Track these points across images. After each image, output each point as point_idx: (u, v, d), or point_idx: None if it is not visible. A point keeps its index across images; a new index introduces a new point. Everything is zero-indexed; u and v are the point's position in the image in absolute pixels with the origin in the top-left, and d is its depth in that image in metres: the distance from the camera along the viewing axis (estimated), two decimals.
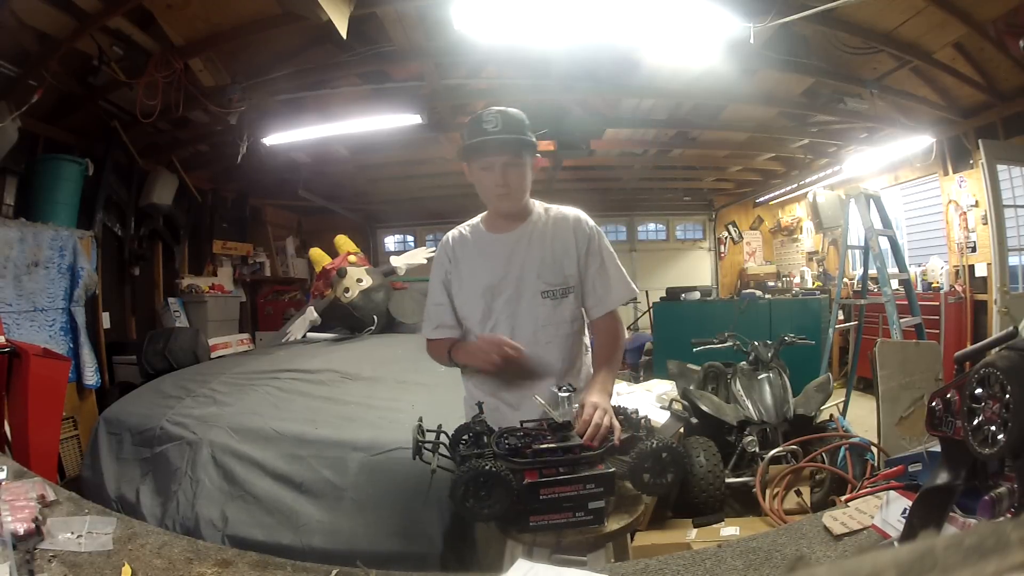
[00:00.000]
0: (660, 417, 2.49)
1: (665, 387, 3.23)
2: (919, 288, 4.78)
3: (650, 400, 2.96)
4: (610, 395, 1.35)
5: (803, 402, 2.84)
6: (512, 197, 1.45)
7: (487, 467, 1.08)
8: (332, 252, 3.68)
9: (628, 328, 6.71)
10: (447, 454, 1.24)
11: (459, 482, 1.08)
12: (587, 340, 1.57)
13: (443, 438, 1.27)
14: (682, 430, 2.72)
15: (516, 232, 1.50)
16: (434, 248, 4.28)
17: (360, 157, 5.25)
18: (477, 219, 1.58)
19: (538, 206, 1.54)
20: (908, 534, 0.79)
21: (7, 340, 2.25)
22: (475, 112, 1.47)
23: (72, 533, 0.94)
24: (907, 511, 0.83)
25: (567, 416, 1.22)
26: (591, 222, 1.53)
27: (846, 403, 3.78)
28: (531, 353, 1.40)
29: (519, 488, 1.08)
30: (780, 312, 4.42)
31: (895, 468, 0.94)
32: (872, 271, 3.78)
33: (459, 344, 1.51)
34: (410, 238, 8.51)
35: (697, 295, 5.04)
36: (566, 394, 1.25)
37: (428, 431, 1.24)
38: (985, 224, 4.26)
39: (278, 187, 5.95)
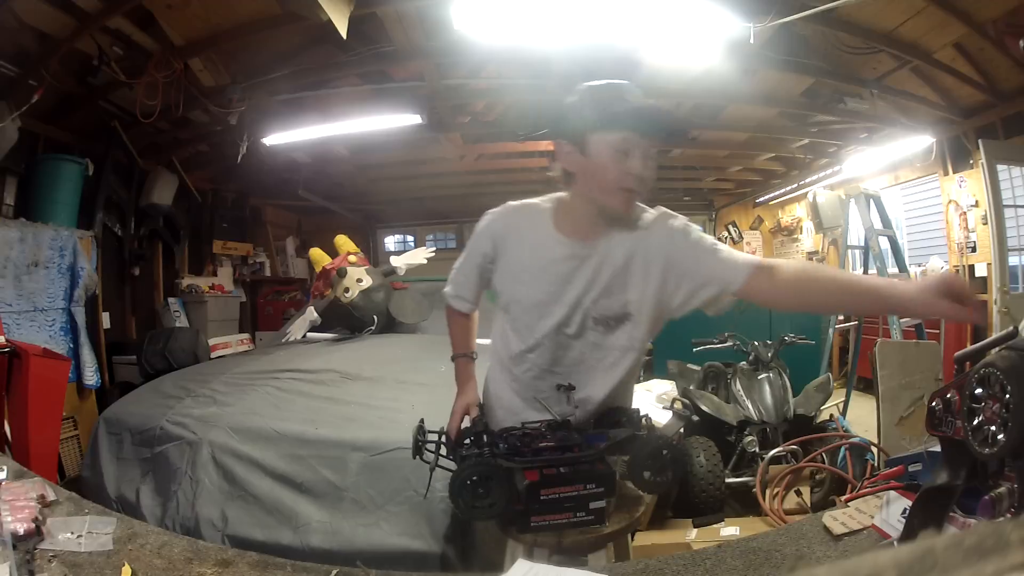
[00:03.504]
0: (660, 417, 2.49)
1: (665, 387, 3.24)
2: None
3: (650, 400, 2.96)
4: None
5: (803, 402, 2.84)
6: (639, 197, 1.16)
7: (484, 464, 1.08)
8: (332, 252, 3.68)
9: None
10: (447, 455, 1.24)
11: (456, 479, 1.08)
12: (639, 367, 1.39)
13: (443, 438, 1.27)
14: (682, 429, 2.72)
15: (593, 245, 1.19)
16: (434, 248, 4.31)
17: (360, 157, 5.25)
18: (545, 206, 1.25)
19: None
20: (908, 534, 0.79)
21: (7, 340, 2.24)
22: (590, 80, 1.17)
23: (72, 533, 0.94)
24: (907, 511, 0.83)
25: (567, 416, 1.21)
26: (687, 226, 1.21)
27: (846, 403, 3.78)
28: (572, 373, 1.25)
29: (522, 488, 1.08)
30: (780, 312, 4.42)
31: (895, 468, 0.94)
32: (872, 271, 3.78)
33: (464, 367, 1.40)
34: (410, 238, 8.50)
35: None
36: (565, 393, 1.24)
37: (430, 431, 1.24)
38: (985, 224, 4.25)
39: (278, 187, 5.95)
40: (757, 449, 2.61)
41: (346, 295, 3.23)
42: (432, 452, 1.21)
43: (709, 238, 1.20)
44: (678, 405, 2.38)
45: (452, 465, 1.16)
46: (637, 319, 1.21)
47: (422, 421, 1.26)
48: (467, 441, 1.23)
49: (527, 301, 1.24)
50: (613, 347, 1.24)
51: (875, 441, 2.56)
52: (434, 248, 4.36)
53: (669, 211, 1.23)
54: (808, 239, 7.09)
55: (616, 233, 1.19)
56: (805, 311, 1.31)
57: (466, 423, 1.29)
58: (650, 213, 1.22)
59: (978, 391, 0.68)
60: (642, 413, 1.28)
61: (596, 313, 1.21)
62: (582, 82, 1.19)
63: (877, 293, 1.06)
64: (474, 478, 1.08)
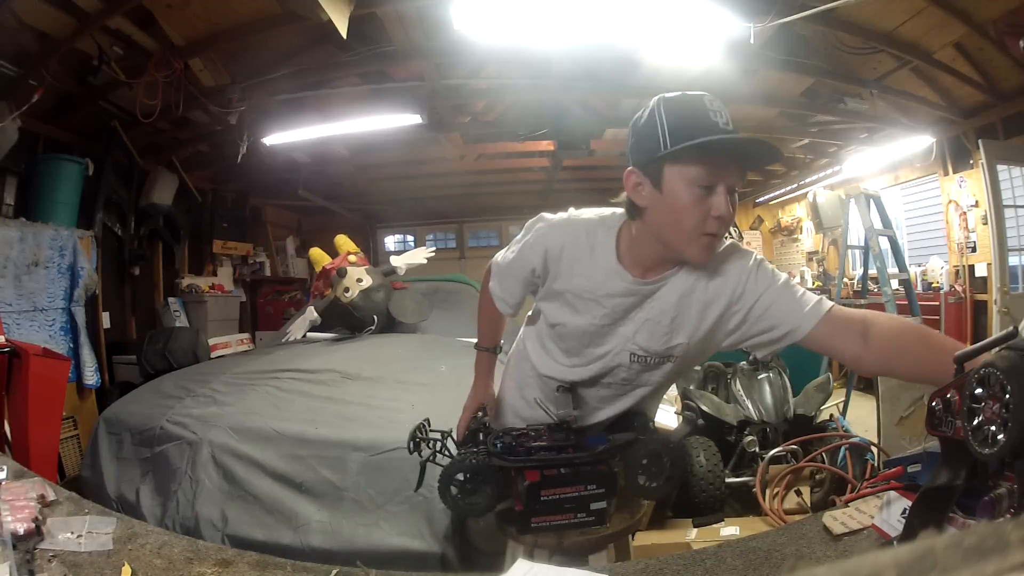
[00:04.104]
0: (659, 416, 2.49)
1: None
2: (919, 288, 4.78)
3: None
4: None
5: (803, 402, 2.84)
6: (721, 239, 1.00)
7: (472, 460, 1.08)
8: (332, 252, 3.68)
9: None
10: (447, 454, 1.24)
11: (444, 475, 1.09)
12: (659, 399, 1.36)
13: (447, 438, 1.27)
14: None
15: (656, 284, 1.06)
16: (434, 248, 4.31)
17: (360, 157, 5.25)
18: (610, 226, 1.09)
19: None
20: (908, 534, 0.79)
21: (7, 340, 2.24)
22: (669, 95, 0.96)
23: (72, 533, 0.94)
24: (907, 511, 0.83)
25: (566, 417, 1.21)
26: (761, 264, 1.06)
27: (846, 403, 3.78)
28: (599, 394, 1.21)
29: (522, 488, 1.08)
30: None
31: (895, 468, 0.94)
32: (872, 271, 3.78)
33: (485, 362, 1.37)
34: (410, 238, 8.50)
35: None
36: (565, 394, 1.24)
37: (432, 431, 1.24)
38: (985, 224, 4.25)
39: (278, 187, 5.95)
40: (757, 449, 2.61)
41: (346, 295, 3.23)
42: (429, 449, 1.21)
43: (782, 275, 1.06)
44: (688, 414, 2.38)
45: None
46: (679, 359, 1.13)
47: (427, 420, 1.26)
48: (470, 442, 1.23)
49: (574, 328, 1.14)
50: (645, 383, 1.18)
51: (875, 441, 2.56)
52: (434, 248, 4.36)
53: (740, 246, 1.09)
54: (808, 239, 7.09)
55: (680, 269, 1.05)
56: (892, 376, 1.16)
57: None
58: (725, 249, 1.06)
59: (978, 391, 0.68)
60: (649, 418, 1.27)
61: (637, 349, 1.11)
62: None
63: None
64: (461, 475, 1.09)
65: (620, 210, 1.09)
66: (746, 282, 1.04)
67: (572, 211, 1.15)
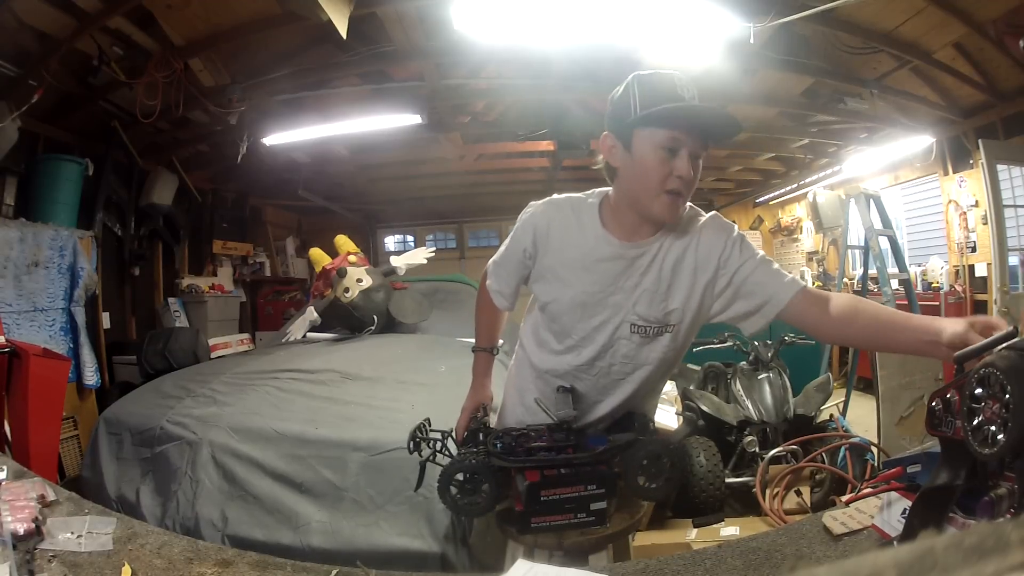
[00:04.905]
0: (659, 416, 2.49)
1: (665, 387, 3.23)
2: (919, 288, 4.79)
3: None
4: None
5: (803, 402, 2.84)
6: (684, 200, 1.09)
7: (471, 460, 1.08)
8: (332, 252, 3.68)
9: None
10: (447, 453, 1.24)
11: (444, 475, 1.09)
12: (664, 384, 1.38)
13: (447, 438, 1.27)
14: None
15: (641, 246, 1.13)
16: (434, 248, 4.31)
17: (360, 157, 5.25)
18: (591, 201, 1.18)
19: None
20: (908, 534, 0.79)
21: (7, 340, 2.24)
22: (642, 72, 1.08)
23: (72, 533, 0.94)
24: (907, 511, 0.83)
25: (566, 418, 1.21)
26: (743, 237, 1.16)
27: (846, 403, 3.78)
28: (598, 383, 1.22)
29: (522, 488, 1.08)
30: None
31: (895, 468, 0.94)
32: (872, 271, 3.78)
33: (483, 362, 1.40)
34: (410, 238, 8.51)
35: None
36: (565, 394, 1.24)
37: (433, 431, 1.24)
38: (985, 224, 4.26)
39: (278, 187, 5.95)
40: (757, 449, 2.61)
41: (346, 295, 3.23)
42: (429, 449, 1.21)
43: (761, 251, 1.16)
44: (690, 415, 2.37)
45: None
46: (678, 329, 1.16)
47: (427, 420, 1.26)
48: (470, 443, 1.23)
49: (568, 301, 1.17)
50: (647, 360, 1.19)
51: (875, 441, 2.56)
52: (434, 248, 4.36)
53: (723, 217, 1.18)
54: (808, 239, 7.10)
55: (667, 235, 1.13)
56: (846, 344, 1.24)
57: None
58: (703, 216, 1.17)
59: (978, 391, 0.68)
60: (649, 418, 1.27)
61: (637, 319, 1.14)
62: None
63: (924, 329, 0.94)
64: (461, 475, 1.09)
65: (600, 189, 1.21)
66: (732, 249, 1.13)
67: (555, 195, 1.23)
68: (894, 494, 0.91)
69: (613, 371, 1.21)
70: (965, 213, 4.53)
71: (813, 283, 6.60)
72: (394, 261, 3.73)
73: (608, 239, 1.14)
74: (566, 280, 1.16)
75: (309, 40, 3.35)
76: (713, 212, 1.19)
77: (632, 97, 1.05)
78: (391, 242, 8.50)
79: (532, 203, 1.24)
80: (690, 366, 3.39)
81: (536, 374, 1.29)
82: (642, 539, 2.16)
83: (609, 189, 1.18)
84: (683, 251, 1.13)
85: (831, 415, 3.27)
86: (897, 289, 3.63)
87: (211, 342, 4.64)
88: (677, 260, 1.13)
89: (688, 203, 1.12)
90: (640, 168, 1.06)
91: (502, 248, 1.28)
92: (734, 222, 1.19)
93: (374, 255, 7.75)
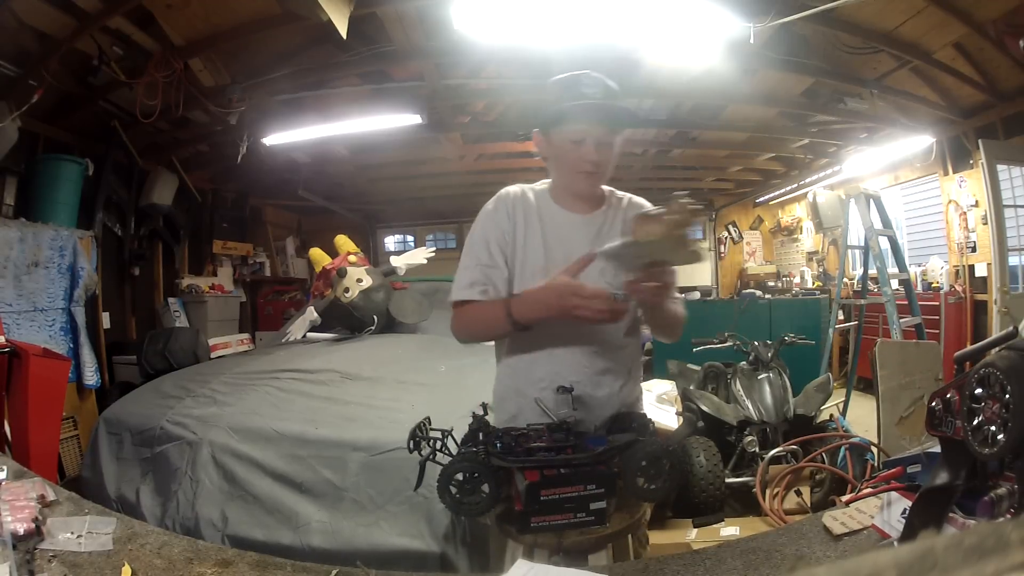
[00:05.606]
0: (659, 416, 2.49)
1: (665, 387, 3.24)
2: (919, 288, 4.78)
3: (650, 400, 2.96)
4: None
5: (803, 402, 2.83)
6: (599, 176, 1.28)
7: (472, 461, 1.08)
8: (332, 252, 3.68)
9: None
10: (448, 453, 1.24)
11: (444, 475, 1.09)
12: (640, 358, 1.42)
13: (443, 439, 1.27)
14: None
15: (591, 217, 1.31)
16: (434, 248, 4.31)
17: (360, 157, 5.25)
18: (541, 186, 1.37)
19: (607, 191, 1.36)
20: (908, 534, 0.79)
21: (7, 340, 2.24)
22: (566, 73, 1.25)
23: (72, 533, 0.94)
24: (907, 511, 0.83)
25: (566, 418, 1.21)
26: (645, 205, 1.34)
27: (846, 403, 3.78)
28: (578, 329, 1.22)
29: (521, 488, 1.08)
30: (780, 312, 4.42)
31: (895, 468, 0.94)
32: (872, 271, 3.78)
33: (525, 297, 1.20)
34: (410, 238, 8.51)
35: (697, 295, 5.05)
36: (565, 394, 1.24)
37: (433, 430, 1.24)
38: (985, 224, 4.26)
39: (278, 187, 5.95)
40: (757, 449, 2.60)
41: (346, 295, 3.23)
42: (429, 448, 1.21)
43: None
44: (689, 415, 2.36)
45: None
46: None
47: (427, 419, 1.26)
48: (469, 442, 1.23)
49: (534, 264, 1.27)
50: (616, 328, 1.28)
51: (875, 441, 2.56)
52: (434, 248, 4.36)
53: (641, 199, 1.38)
54: (808, 239, 7.10)
55: (608, 208, 1.33)
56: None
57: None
58: (629, 197, 1.38)
59: (978, 391, 0.68)
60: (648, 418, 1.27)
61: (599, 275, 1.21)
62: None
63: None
64: (460, 475, 1.09)
65: (546, 179, 1.40)
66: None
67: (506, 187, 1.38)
68: (894, 494, 0.91)
69: (586, 344, 1.28)
70: (965, 213, 4.53)
71: (813, 283, 6.60)
72: (394, 261, 3.74)
73: (560, 210, 1.33)
74: (533, 246, 1.29)
75: (309, 40, 3.34)
76: (640, 197, 1.39)
77: (549, 99, 1.25)
78: (391, 242, 8.50)
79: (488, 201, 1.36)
80: (690, 366, 3.39)
81: (520, 345, 1.29)
82: None
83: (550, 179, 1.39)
84: (623, 220, 1.32)
85: (831, 415, 3.26)
86: (897, 289, 3.63)
87: (211, 342, 4.64)
88: (623, 224, 1.31)
89: (618, 191, 1.36)
90: (558, 156, 1.28)
91: (471, 256, 1.28)
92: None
93: (374, 255, 7.75)
